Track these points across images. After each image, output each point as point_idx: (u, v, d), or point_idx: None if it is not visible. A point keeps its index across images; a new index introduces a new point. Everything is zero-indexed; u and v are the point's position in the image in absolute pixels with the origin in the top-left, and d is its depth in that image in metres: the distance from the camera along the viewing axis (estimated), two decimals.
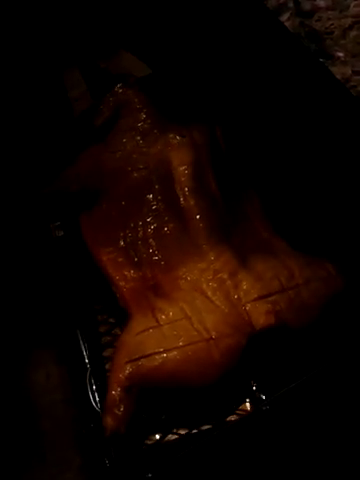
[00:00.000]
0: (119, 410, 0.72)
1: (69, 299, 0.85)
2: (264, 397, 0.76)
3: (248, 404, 0.77)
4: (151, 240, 0.83)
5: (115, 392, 0.72)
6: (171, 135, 0.87)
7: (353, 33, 0.85)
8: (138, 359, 0.73)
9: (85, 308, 0.85)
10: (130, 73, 0.97)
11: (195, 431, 0.76)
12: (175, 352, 0.73)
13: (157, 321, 0.76)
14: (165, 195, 0.85)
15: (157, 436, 0.76)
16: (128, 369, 0.73)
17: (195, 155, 0.86)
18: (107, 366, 0.79)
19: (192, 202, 0.84)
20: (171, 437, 0.75)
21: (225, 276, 0.79)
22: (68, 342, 0.83)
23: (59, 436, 0.84)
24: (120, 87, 0.93)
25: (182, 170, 0.85)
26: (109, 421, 0.72)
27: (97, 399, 0.77)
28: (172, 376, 0.73)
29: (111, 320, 0.84)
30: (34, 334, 0.89)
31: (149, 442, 0.75)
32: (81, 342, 0.82)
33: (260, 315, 0.76)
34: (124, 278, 0.81)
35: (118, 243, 0.84)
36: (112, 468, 0.72)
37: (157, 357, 0.73)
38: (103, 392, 0.76)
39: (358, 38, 0.85)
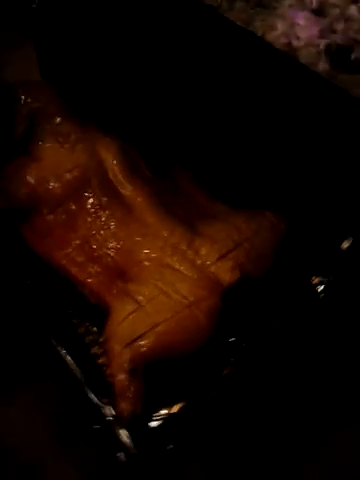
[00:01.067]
0: (131, 393, 0.75)
1: (37, 310, 0.86)
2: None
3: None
4: (103, 232, 0.86)
5: (122, 378, 0.75)
6: (92, 130, 0.91)
7: None
8: (133, 341, 0.77)
9: (56, 316, 0.86)
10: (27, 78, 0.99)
11: (196, 395, 0.80)
12: (165, 325, 0.78)
13: (137, 303, 0.80)
14: (103, 188, 0.88)
15: (163, 408, 0.79)
16: (126, 354, 0.76)
17: (119, 143, 0.90)
18: (100, 361, 0.82)
19: (130, 187, 0.88)
20: (177, 406, 0.79)
21: (184, 247, 0.84)
22: (50, 351, 0.84)
23: None
24: (25, 93, 0.94)
25: (111, 160, 0.89)
26: (125, 406, 0.75)
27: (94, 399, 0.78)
28: (168, 348, 0.77)
29: (87, 321, 0.86)
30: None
31: (159, 416, 0.79)
32: (62, 347, 0.82)
33: (226, 273, 0.82)
34: (89, 274, 0.84)
35: (71, 244, 0.86)
36: (136, 450, 0.75)
37: (150, 335, 0.77)
38: (103, 387, 0.78)
39: None
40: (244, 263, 0.83)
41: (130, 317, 0.79)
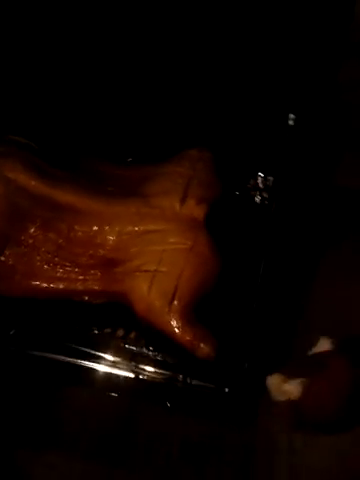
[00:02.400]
0: (202, 338, 0.76)
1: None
2: None
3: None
4: (64, 242, 0.83)
5: (187, 333, 0.76)
6: None
7: None
8: (172, 301, 0.77)
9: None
10: None
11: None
12: (185, 273, 0.79)
13: (148, 272, 0.80)
14: (35, 204, 0.85)
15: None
16: (175, 313, 0.76)
17: (20, 160, 0.88)
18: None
19: (57, 192, 0.86)
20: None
21: (145, 210, 0.85)
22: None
23: None
24: None
25: (23, 178, 0.86)
26: (205, 349, 0.76)
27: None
28: (198, 288, 0.79)
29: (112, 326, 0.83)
30: None
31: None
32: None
33: (195, 210, 0.85)
34: (87, 280, 0.81)
35: (43, 266, 0.82)
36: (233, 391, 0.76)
37: (180, 287, 0.78)
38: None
39: None
40: (200, 195, 0.87)
41: (152, 288, 0.78)
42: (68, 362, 0.81)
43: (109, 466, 0.89)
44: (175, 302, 0.77)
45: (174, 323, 0.76)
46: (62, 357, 0.80)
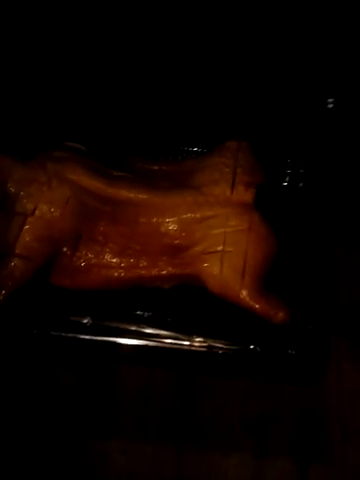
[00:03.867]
0: (275, 304, 0.85)
1: None
2: None
3: None
4: (138, 232, 0.91)
5: (259, 301, 0.85)
6: (49, 165, 0.93)
7: None
8: (243, 276, 0.86)
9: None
10: None
11: None
12: (250, 252, 0.87)
13: (216, 252, 0.88)
14: (99, 202, 0.92)
15: None
16: (248, 285, 0.85)
17: (79, 163, 0.94)
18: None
19: (116, 191, 0.93)
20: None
21: (201, 199, 0.92)
22: None
23: None
24: None
25: (85, 179, 0.93)
26: (280, 315, 0.85)
27: None
28: (262, 262, 0.88)
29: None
30: None
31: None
32: None
33: (244, 195, 0.93)
34: (158, 266, 0.89)
35: (121, 257, 0.89)
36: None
37: (247, 263, 0.87)
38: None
39: None
40: (248, 180, 0.95)
41: (223, 265, 0.86)
42: (138, 345, 0.87)
43: (177, 444, 0.96)
44: (246, 277, 0.85)
45: (249, 296, 0.84)
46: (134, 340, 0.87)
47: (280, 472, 0.95)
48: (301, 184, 0.98)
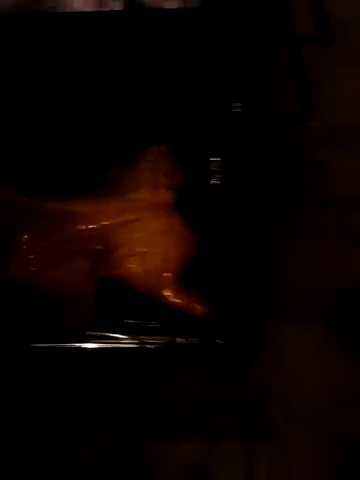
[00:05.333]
0: (193, 298, 0.91)
1: None
2: None
3: None
4: (64, 241, 0.95)
5: (179, 297, 0.91)
6: None
7: None
8: (162, 274, 0.91)
9: None
10: None
11: None
12: (169, 252, 0.93)
13: (138, 254, 0.93)
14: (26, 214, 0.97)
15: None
16: (166, 282, 0.91)
17: None
18: None
19: (49, 202, 0.98)
20: None
21: (124, 204, 0.97)
22: None
23: None
24: None
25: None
26: (198, 307, 0.91)
27: None
28: (181, 258, 0.93)
29: None
30: None
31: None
32: None
33: (164, 196, 0.99)
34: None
35: (46, 265, 0.94)
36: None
37: (167, 263, 0.92)
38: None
39: None
40: (168, 183, 1.00)
41: (145, 266, 0.92)
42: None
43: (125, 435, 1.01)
44: (166, 274, 0.90)
45: (170, 293, 0.90)
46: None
47: (227, 457, 1.00)
48: (220, 183, 1.03)
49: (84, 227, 0.96)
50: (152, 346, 0.92)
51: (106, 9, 0.92)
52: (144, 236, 0.94)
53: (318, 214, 1.15)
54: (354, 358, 1.05)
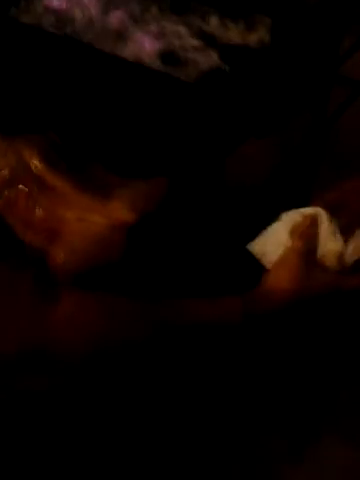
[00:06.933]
0: None
1: None
2: None
3: None
4: (36, 209, 1.15)
5: None
6: (18, 139, 1.22)
7: None
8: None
9: None
10: None
11: None
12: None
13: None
14: (31, 180, 1.17)
15: None
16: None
17: (39, 146, 1.19)
18: None
19: (51, 177, 1.18)
20: None
21: (96, 204, 1.15)
22: None
23: None
24: None
25: (33, 160, 1.16)
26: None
27: None
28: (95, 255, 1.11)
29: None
30: None
31: None
32: None
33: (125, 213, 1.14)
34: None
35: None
36: None
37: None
38: None
39: None
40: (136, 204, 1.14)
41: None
42: None
43: None
44: None
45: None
46: None
47: None
48: None
49: (50, 207, 1.14)
50: None
51: None
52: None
53: None
54: None
